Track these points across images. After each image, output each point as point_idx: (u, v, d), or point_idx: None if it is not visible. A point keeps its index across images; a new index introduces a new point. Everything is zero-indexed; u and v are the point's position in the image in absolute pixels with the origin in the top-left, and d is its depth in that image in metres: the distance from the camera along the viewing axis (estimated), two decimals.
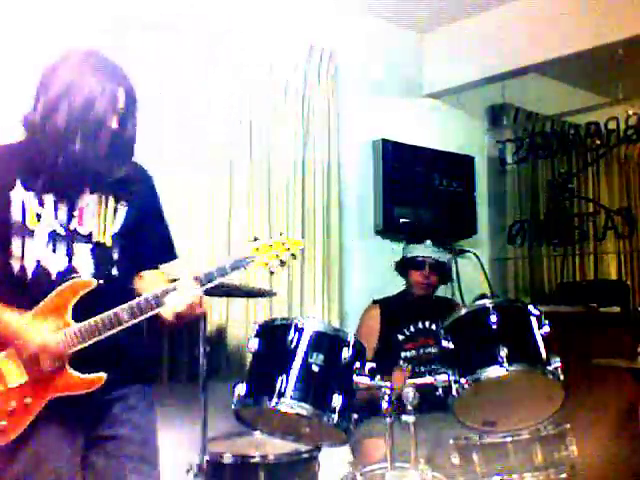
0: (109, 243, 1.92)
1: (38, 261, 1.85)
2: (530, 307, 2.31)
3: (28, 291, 1.85)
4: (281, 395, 2.01)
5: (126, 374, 1.91)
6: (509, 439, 2.46)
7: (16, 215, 1.86)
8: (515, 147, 4.81)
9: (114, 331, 1.81)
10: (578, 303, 4.14)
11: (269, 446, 2.52)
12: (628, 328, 3.62)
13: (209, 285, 1.84)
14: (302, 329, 2.11)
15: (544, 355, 2.21)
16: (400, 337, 3.14)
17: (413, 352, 3.12)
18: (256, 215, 3.40)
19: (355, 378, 2.11)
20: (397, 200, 4.06)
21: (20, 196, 1.87)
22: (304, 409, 2.01)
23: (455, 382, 2.17)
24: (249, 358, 2.25)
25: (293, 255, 1.90)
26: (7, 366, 1.82)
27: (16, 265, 1.85)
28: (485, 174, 4.71)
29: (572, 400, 2.23)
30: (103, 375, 1.83)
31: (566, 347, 2.40)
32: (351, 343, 2.12)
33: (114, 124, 1.86)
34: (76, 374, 1.82)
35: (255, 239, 1.89)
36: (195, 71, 3.25)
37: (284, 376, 2.03)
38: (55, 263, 1.86)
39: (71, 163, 1.82)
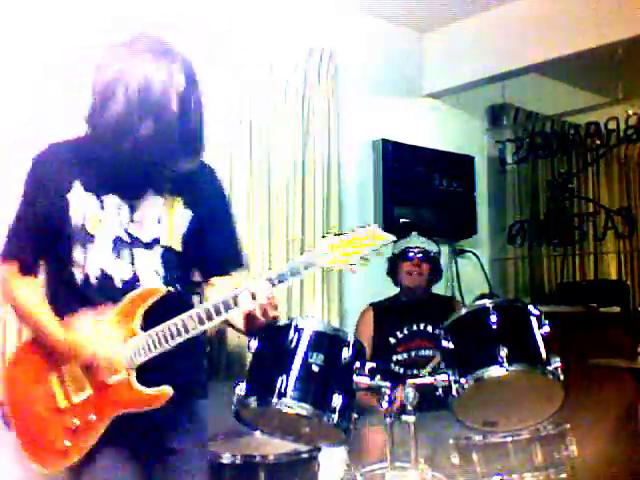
0: (177, 248, 1.80)
1: (102, 269, 1.72)
2: (530, 307, 2.30)
3: (92, 300, 1.72)
4: (281, 395, 2.00)
5: (187, 386, 1.80)
6: (509, 439, 2.46)
7: (76, 219, 1.72)
8: (515, 147, 4.81)
9: (181, 340, 1.69)
10: (578, 303, 4.14)
11: (269, 446, 2.51)
12: (628, 328, 3.62)
13: (281, 286, 1.74)
14: (302, 329, 2.09)
15: (544, 355, 2.20)
16: (392, 340, 3.12)
17: (405, 355, 3.10)
18: (256, 215, 3.40)
19: (355, 378, 2.10)
20: (397, 200, 4.06)
21: (79, 198, 1.73)
22: (304, 409, 2.00)
23: (455, 382, 2.16)
24: (249, 358, 2.24)
25: (376, 251, 1.74)
26: (70, 380, 1.70)
27: (78, 273, 1.72)
28: (485, 174, 4.71)
29: (572, 400, 2.22)
30: (169, 390, 1.70)
31: (566, 347, 2.39)
32: (351, 343, 2.12)
33: (174, 106, 1.68)
34: (141, 389, 1.69)
35: (337, 234, 1.75)
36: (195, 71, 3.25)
37: (284, 376, 2.02)
38: (120, 270, 1.74)
39: (133, 154, 1.66)
